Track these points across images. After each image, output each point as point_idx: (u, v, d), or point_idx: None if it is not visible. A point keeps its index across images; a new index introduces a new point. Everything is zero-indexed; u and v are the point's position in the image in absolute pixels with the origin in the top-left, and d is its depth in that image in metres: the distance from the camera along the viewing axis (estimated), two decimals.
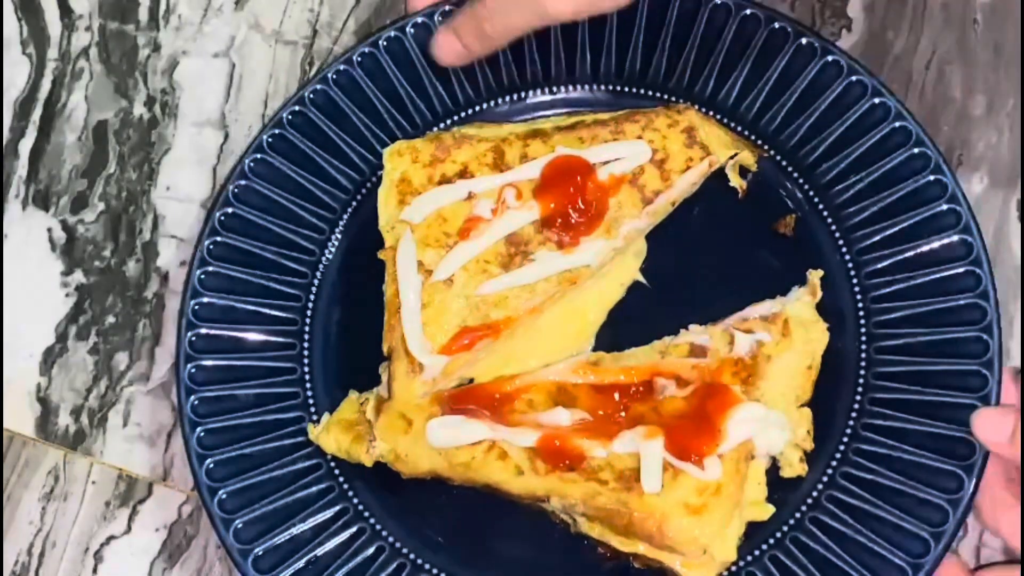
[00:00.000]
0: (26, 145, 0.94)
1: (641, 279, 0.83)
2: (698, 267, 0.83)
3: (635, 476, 0.74)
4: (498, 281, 0.79)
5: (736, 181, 0.83)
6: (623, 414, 0.77)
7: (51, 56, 0.95)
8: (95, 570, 0.85)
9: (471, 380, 0.80)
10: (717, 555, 0.75)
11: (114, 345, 0.88)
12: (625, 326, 0.82)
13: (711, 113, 0.85)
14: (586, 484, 0.75)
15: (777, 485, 0.78)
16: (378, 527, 0.79)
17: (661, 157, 0.81)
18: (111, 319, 0.89)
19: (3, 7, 0.95)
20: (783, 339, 0.78)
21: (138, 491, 0.86)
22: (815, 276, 0.81)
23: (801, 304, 0.80)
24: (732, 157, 0.83)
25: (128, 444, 0.87)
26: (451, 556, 0.79)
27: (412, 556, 0.79)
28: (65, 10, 0.96)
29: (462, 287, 0.79)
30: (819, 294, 0.80)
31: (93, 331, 0.89)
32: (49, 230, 0.92)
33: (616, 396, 0.78)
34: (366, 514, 0.79)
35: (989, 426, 0.73)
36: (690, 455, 0.74)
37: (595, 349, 0.81)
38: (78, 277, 0.91)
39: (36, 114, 0.94)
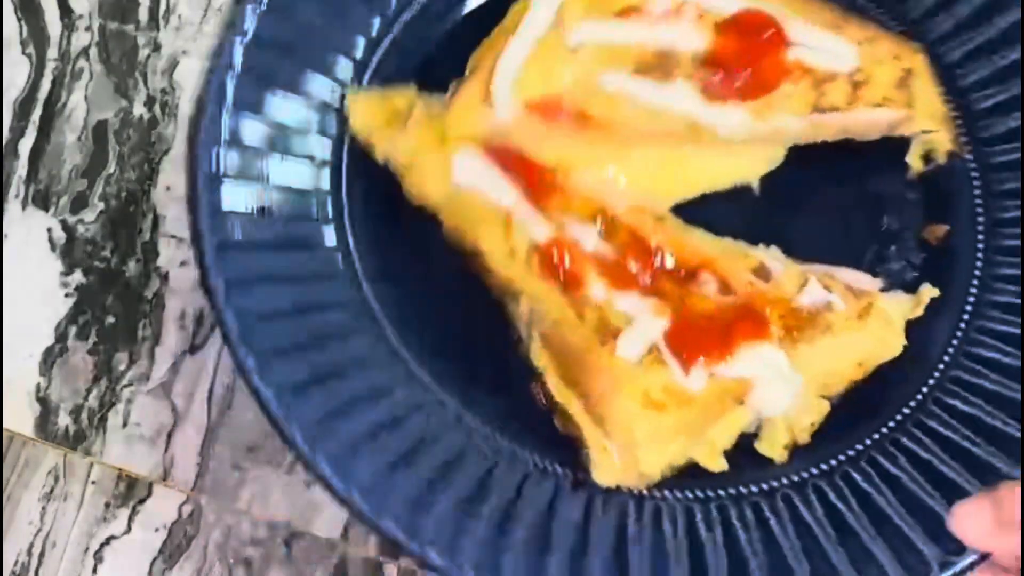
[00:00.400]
0: (26, 145, 0.94)
1: (755, 185, 0.74)
2: (820, 205, 0.77)
3: (616, 334, 0.68)
4: (622, 78, 0.71)
5: (915, 160, 0.74)
6: (648, 280, 0.70)
7: (51, 56, 0.96)
8: (95, 570, 0.85)
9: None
10: (641, 465, 0.67)
11: (114, 345, 0.88)
12: (710, 212, 0.74)
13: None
14: (566, 309, 0.68)
15: (746, 452, 0.72)
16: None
17: (861, 78, 0.72)
18: (111, 319, 0.89)
19: (3, 7, 0.95)
20: (855, 320, 0.69)
21: (138, 491, 0.86)
22: (927, 293, 0.71)
23: (897, 304, 0.70)
24: (928, 132, 0.74)
25: (128, 444, 0.86)
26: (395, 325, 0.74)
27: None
28: (65, 10, 0.96)
29: (584, 61, 0.71)
30: (920, 312, 0.72)
31: (93, 331, 0.89)
32: (49, 230, 0.92)
33: (656, 260, 0.70)
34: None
35: (967, 522, 0.66)
36: (684, 353, 0.67)
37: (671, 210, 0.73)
38: (78, 277, 0.91)
39: (36, 114, 0.94)
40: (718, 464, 0.71)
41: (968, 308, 0.74)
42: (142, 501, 0.85)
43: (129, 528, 0.86)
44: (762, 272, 0.72)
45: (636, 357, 0.68)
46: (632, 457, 0.68)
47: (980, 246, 0.75)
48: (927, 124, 0.75)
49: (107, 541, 0.86)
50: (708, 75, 0.72)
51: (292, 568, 0.83)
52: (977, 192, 0.76)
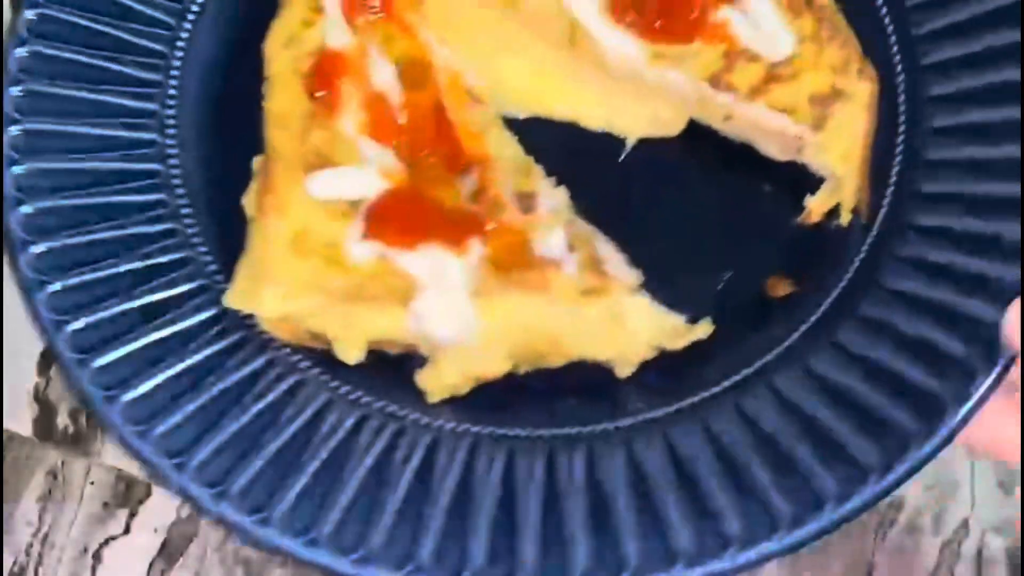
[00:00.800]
0: None
1: (628, 143, 0.66)
2: (683, 199, 0.65)
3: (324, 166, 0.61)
4: None
5: (816, 205, 0.63)
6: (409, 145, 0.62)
7: None
8: (94, 571, 0.83)
9: None
10: (262, 303, 0.59)
11: None
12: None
13: None
14: (303, 119, 0.62)
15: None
16: None
17: (783, 73, 0.62)
18: None
19: (2, 6, 0.89)
20: (575, 294, 0.59)
21: (137, 492, 0.84)
22: (698, 330, 0.61)
23: (640, 313, 0.60)
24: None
25: None
26: None
27: None
28: None
29: None
30: (679, 345, 0.60)
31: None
32: None
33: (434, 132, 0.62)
34: None
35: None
36: (373, 220, 0.60)
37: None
38: None
39: None
40: (352, 355, 0.60)
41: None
42: (141, 502, 0.83)
43: (128, 529, 0.84)
44: (528, 200, 0.60)
45: (322, 194, 0.60)
46: (256, 286, 0.59)
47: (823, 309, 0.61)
48: (834, 163, 0.61)
49: (106, 542, 0.84)
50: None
51: (291, 569, 0.80)
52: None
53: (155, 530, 0.83)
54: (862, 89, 0.61)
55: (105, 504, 0.84)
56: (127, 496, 0.84)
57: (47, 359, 0.86)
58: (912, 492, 0.79)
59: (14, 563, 0.84)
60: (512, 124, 0.65)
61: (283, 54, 0.63)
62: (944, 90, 0.63)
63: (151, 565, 0.82)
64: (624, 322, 0.59)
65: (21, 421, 0.86)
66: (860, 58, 0.61)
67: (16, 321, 0.77)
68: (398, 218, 0.59)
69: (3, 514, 0.84)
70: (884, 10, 0.65)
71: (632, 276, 0.60)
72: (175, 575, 0.82)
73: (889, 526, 0.79)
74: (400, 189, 0.60)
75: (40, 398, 0.87)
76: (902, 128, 0.64)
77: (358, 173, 0.60)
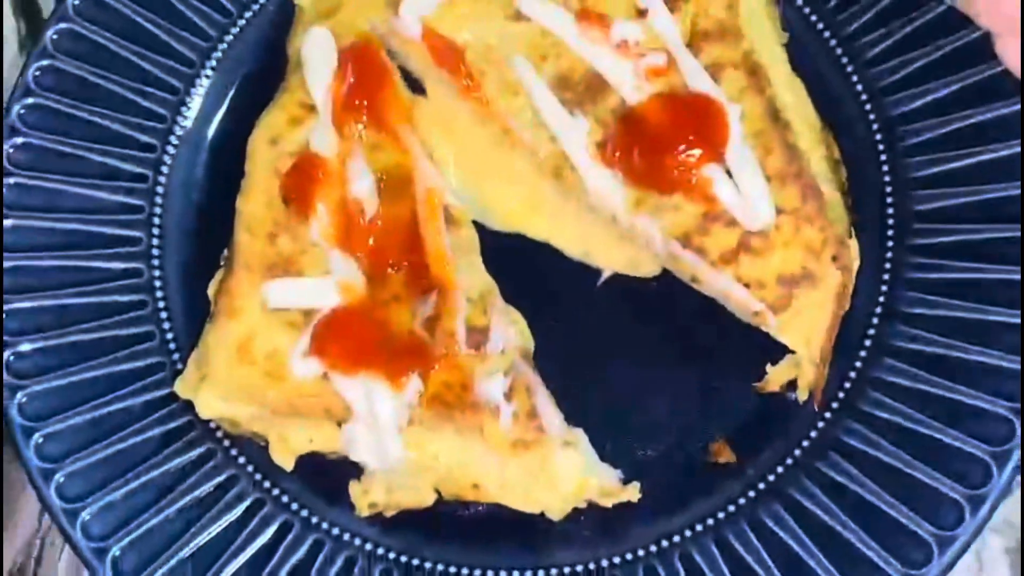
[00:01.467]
0: None
1: (604, 274, 0.65)
2: (653, 341, 0.64)
3: (285, 274, 0.61)
4: (532, 74, 0.63)
5: (776, 375, 0.62)
6: (374, 262, 0.62)
7: None
8: None
9: None
10: (199, 400, 0.60)
11: None
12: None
13: None
14: (275, 223, 0.62)
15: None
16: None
17: (756, 245, 0.60)
18: None
19: (2, 6, 0.89)
20: (507, 446, 0.59)
21: None
22: (627, 492, 0.60)
23: (571, 467, 0.59)
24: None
25: None
26: None
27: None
28: None
29: (515, 32, 0.64)
30: (610, 502, 0.60)
31: None
32: None
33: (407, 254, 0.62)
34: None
35: None
36: (321, 337, 0.59)
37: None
38: None
39: None
40: (286, 462, 0.61)
41: None
42: None
43: None
44: (478, 335, 0.60)
45: (276, 305, 0.60)
46: (199, 378, 0.60)
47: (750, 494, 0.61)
48: (794, 344, 0.60)
49: None
50: (618, 133, 0.62)
51: None
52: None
53: None
54: (833, 276, 0.59)
55: None
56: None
57: None
58: None
59: (14, 563, 0.80)
60: (484, 242, 0.65)
61: (265, 151, 0.63)
62: (917, 297, 0.62)
63: None
64: (551, 476, 0.58)
65: None
66: (838, 243, 0.59)
67: None
68: (345, 339, 0.59)
69: (3, 514, 0.80)
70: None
71: (567, 433, 0.59)
72: None
73: None
74: (354, 307, 0.60)
75: None
76: (874, 320, 0.63)
77: (316, 284, 0.60)
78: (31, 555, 0.78)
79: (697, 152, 0.60)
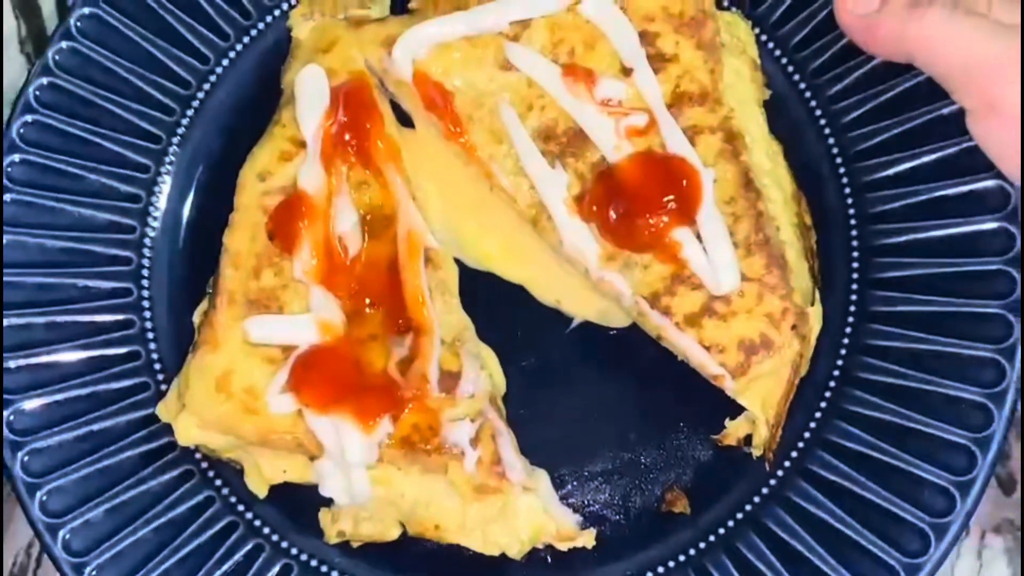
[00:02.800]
0: None
1: (575, 320, 0.68)
2: (620, 386, 0.67)
3: (269, 309, 0.64)
4: (517, 123, 0.65)
5: (733, 430, 0.64)
6: (356, 301, 0.64)
7: None
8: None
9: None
10: (177, 426, 0.63)
11: None
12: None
13: None
14: (258, 258, 0.64)
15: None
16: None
17: (719, 310, 0.62)
18: None
19: (2, 6, 0.89)
20: (471, 490, 0.62)
21: None
22: (583, 537, 0.64)
23: (530, 512, 0.62)
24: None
25: None
26: None
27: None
28: (63, 9, 0.87)
29: (503, 80, 0.66)
30: (565, 546, 0.63)
31: None
32: None
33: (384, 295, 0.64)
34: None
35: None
36: (297, 374, 0.62)
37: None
38: None
39: None
40: (259, 490, 0.64)
41: None
42: None
43: None
44: (450, 380, 0.62)
45: (257, 339, 0.62)
46: (180, 405, 0.63)
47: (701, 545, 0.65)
48: (749, 404, 0.62)
49: None
50: (595, 188, 0.64)
51: None
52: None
53: None
54: (791, 346, 0.61)
55: None
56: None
57: None
58: None
59: (14, 563, 0.80)
60: (464, 278, 0.67)
61: (254, 186, 0.65)
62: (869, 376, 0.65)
63: None
64: (510, 520, 0.61)
65: None
66: (798, 313, 0.62)
67: None
68: (321, 378, 0.61)
69: (3, 514, 0.80)
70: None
71: (528, 479, 0.62)
72: None
73: None
74: (332, 346, 0.62)
75: None
76: (831, 384, 0.65)
77: (296, 321, 0.63)
78: (31, 555, 0.79)
79: (670, 215, 0.62)
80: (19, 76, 0.85)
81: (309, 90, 0.66)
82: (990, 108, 0.58)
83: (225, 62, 0.71)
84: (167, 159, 0.70)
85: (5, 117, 0.69)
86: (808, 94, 0.69)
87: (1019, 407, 0.69)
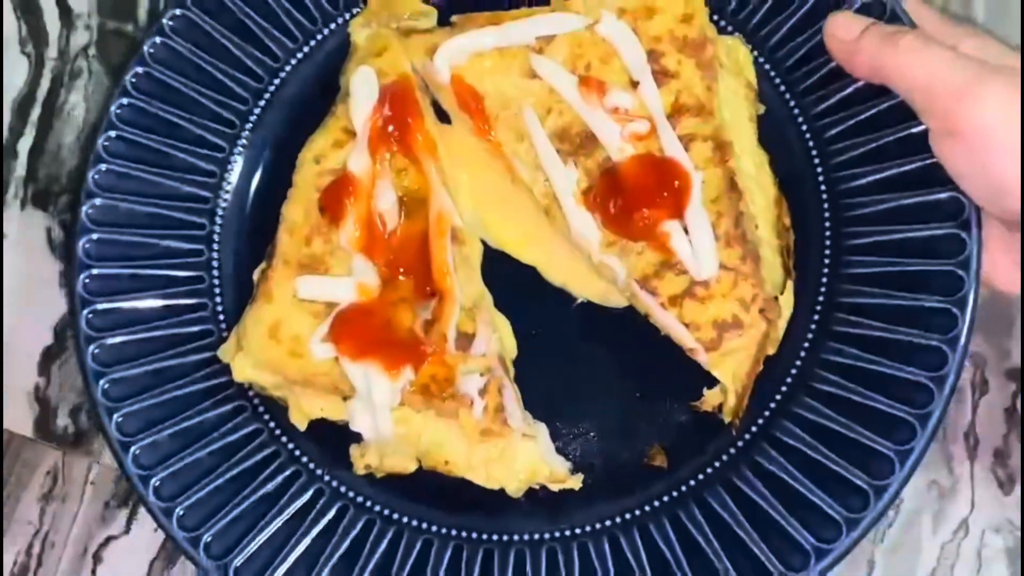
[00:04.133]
0: (25, 145, 0.92)
1: (577, 299, 0.78)
2: (611, 359, 0.77)
3: (318, 271, 0.74)
4: (537, 125, 0.75)
5: (709, 398, 0.74)
6: (391, 269, 0.75)
7: (50, 55, 0.93)
8: (94, 570, 0.84)
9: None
10: (234, 365, 0.74)
11: None
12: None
13: None
14: (310, 228, 0.75)
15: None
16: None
17: (700, 293, 0.71)
18: None
19: (2, 6, 0.92)
20: (476, 433, 0.72)
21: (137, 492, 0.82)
22: (572, 481, 0.73)
23: (528, 459, 0.72)
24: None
25: None
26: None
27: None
28: (64, 9, 0.93)
29: (528, 87, 0.75)
30: (557, 486, 0.73)
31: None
32: (48, 230, 0.90)
33: (417, 267, 0.75)
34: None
35: (841, 25, 0.71)
36: (337, 328, 0.72)
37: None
38: None
39: (35, 114, 0.92)
40: (300, 423, 0.74)
41: None
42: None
43: (128, 528, 0.84)
44: (465, 340, 0.73)
45: (304, 296, 0.73)
46: (237, 347, 0.74)
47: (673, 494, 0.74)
48: (722, 377, 0.72)
49: (106, 541, 0.85)
50: (600, 184, 0.73)
51: None
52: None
53: (155, 529, 0.81)
54: (758, 326, 0.71)
55: (106, 504, 0.85)
56: (127, 495, 0.84)
57: (47, 359, 0.87)
58: (911, 492, 0.81)
59: (15, 563, 0.84)
60: (488, 257, 0.78)
61: (310, 167, 0.76)
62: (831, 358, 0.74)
63: (151, 564, 0.84)
64: (509, 461, 0.72)
65: (21, 421, 0.86)
66: (766, 299, 0.71)
67: (16, 321, 0.87)
68: (356, 331, 0.72)
69: (4, 514, 0.84)
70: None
71: (527, 428, 0.72)
72: (176, 574, 0.83)
73: (889, 526, 0.81)
74: (367, 305, 0.73)
75: (40, 398, 0.87)
76: (797, 363, 0.74)
77: (339, 283, 0.73)
78: (32, 555, 0.84)
79: (662, 209, 0.72)
80: (20, 76, 0.91)
81: (361, 88, 0.77)
82: (949, 129, 0.67)
83: (293, 61, 0.82)
84: (240, 141, 0.81)
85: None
86: (796, 111, 0.78)
87: (1019, 405, 0.78)
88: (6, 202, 0.90)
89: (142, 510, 0.83)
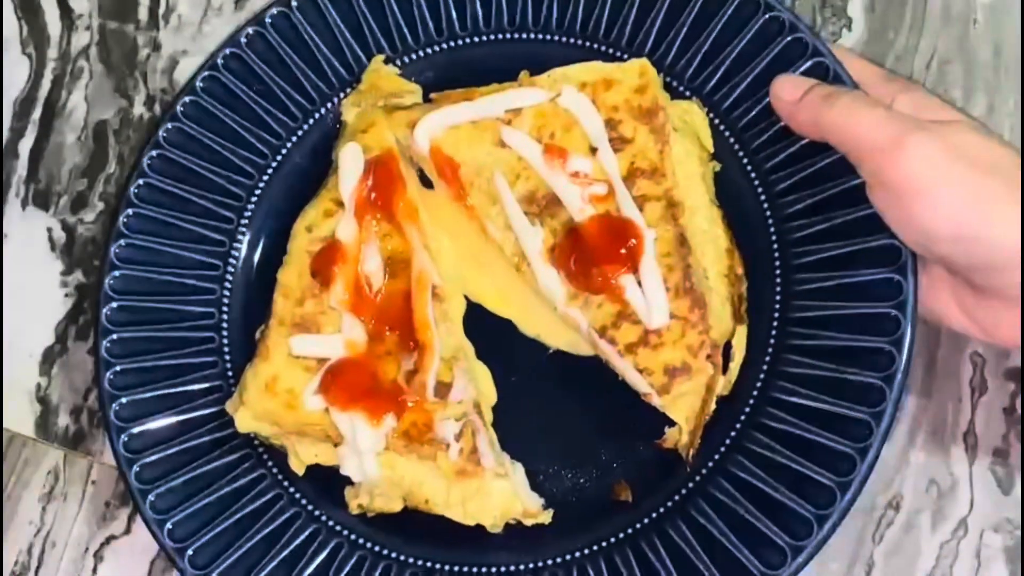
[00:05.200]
0: (26, 145, 0.93)
1: (550, 348, 0.84)
2: (580, 406, 0.84)
3: (310, 330, 0.81)
4: (507, 190, 0.81)
5: (671, 436, 0.80)
6: (378, 327, 0.81)
7: (51, 56, 0.94)
8: (95, 570, 0.86)
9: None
10: (237, 416, 0.79)
11: None
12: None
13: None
14: (301, 292, 0.81)
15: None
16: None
17: (653, 341, 0.78)
18: None
19: (3, 6, 0.93)
20: (452, 473, 0.78)
21: None
22: (542, 515, 0.80)
23: (501, 495, 0.79)
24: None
25: None
26: None
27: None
28: (65, 10, 0.95)
29: (498, 156, 0.82)
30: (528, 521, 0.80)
31: (93, 331, 0.85)
32: (49, 230, 0.92)
33: (396, 324, 0.81)
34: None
35: (785, 87, 0.77)
36: (329, 381, 0.78)
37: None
38: (78, 277, 0.92)
39: (36, 114, 0.93)
40: (298, 469, 0.80)
41: None
42: None
43: (129, 528, 0.86)
44: (444, 389, 0.79)
45: (298, 353, 0.80)
46: (240, 402, 0.80)
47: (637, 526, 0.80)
48: (676, 419, 0.77)
49: (107, 541, 0.86)
50: (563, 242, 0.80)
51: None
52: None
53: None
54: (706, 371, 0.77)
55: (107, 503, 0.87)
56: (128, 495, 0.82)
57: (48, 359, 0.90)
58: (910, 492, 0.82)
59: (16, 562, 0.85)
60: (470, 314, 0.85)
61: (303, 235, 0.84)
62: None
63: (152, 564, 0.86)
64: (484, 499, 0.78)
65: (22, 421, 0.88)
66: (713, 346, 0.77)
67: (16, 321, 0.90)
68: (343, 384, 0.79)
69: (4, 514, 0.85)
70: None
71: (499, 467, 0.79)
72: (176, 574, 0.84)
73: (887, 526, 0.82)
74: (355, 359, 0.80)
75: (41, 398, 0.89)
76: (750, 402, 0.80)
77: (329, 340, 0.81)
78: (32, 555, 0.85)
79: (618, 264, 0.78)
80: (21, 76, 0.93)
81: (348, 162, 0.84)
82: (880, 181, 0.72)
83: (294, 138, 0.90)
84: (246, 213, 0.89)
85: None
86: (749, 167, 0.84)
87: (1018, 405, 0.81)
88: (7, 202, 0.93)
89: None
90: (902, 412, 0.82)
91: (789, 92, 0.77)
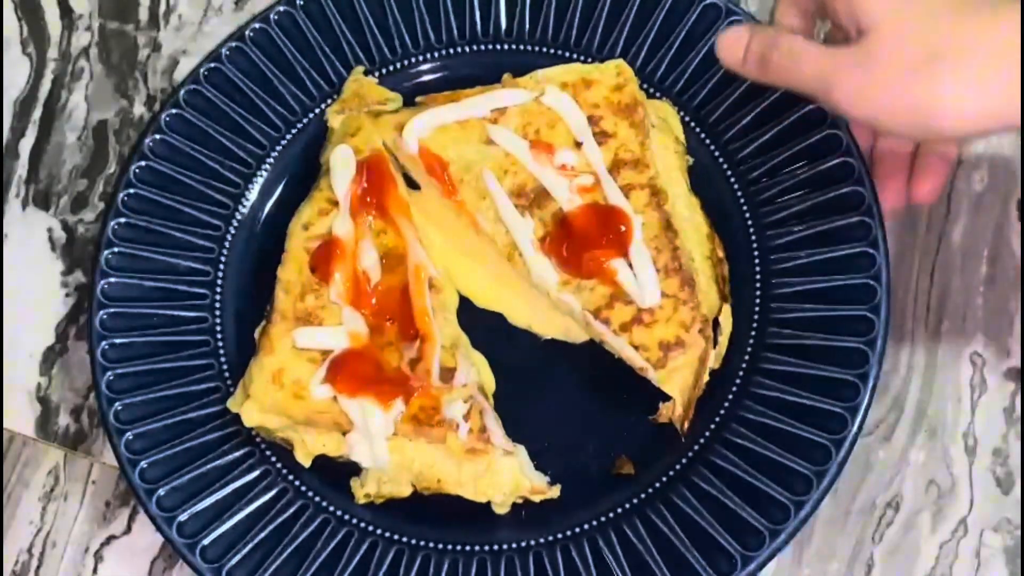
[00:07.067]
0: (26, 145, 0.93)
1: (542, 337, 0.87)
2: (575, 386, 0.86)
3: (312, 323, 0.82)
4: (496, 185, 0.84)
5: (665, 411, 0.82)
6: (378, 319, 0.83)
7: (51, 56, 0.95)
8: (95, 570, 0.86)
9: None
10: (244, 414, 0.80)
11: None
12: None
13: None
14: (303, 283, 0.83)
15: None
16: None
17: (646, 319, 0.81)
18: None
19: (3, 7, 0.93)
20: (461, 452, 0.79)
21: None
22: (551, 491, 0.81)
23: (510, 472, 0.80)
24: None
25: None
26: None
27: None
28: (65, 10, 0.95)
29: (486, 153, 0.85)
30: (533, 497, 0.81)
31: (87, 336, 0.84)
32: (49, 230, 0.92)
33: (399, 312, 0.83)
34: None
35: (727, 53, 0.75)
36: (335, 371, 0.80)
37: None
38: (78, 277, 0.92)
39: (36, 114, 0.94)
40: (304, 461, 0.81)
41: None
42: None
43: (129, 528, 0.86)
44: (448, 374, 0.82)
45: (302, 345, 0.82)
46: (245, 397, 0.81)
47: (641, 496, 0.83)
48: (671, 392, 0.81)
49: (107, 541, 0.86)
50: (554, 231, 0.83)
51: None
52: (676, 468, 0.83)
53: (156, 530, 0.81)
54: (699, 345, 0.81)
55: (107, 503, 0.87)
56: (128, 495, 0.85)
57: (48, 359, 0.90)
58: (910, 492, 0.82)
59: (16, 562, 0.85)
60: (462, 308, 0.87)
61: (300, 233, 0.86)
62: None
63: (152, 564, 0.86)
64: (494, 477, 0.80)
65: (22, 421, 0.88)
66: (704, 321, 0.81)
67: (16, 321, 0.90)
68: (350, 372, 0.80)
69: (4, 514, 0.85)
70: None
71: (508, 445, 0.81)
72: (176, 574, 0.85)
73: (887, 526, 0.82)
74: (359, 350, 0.82)
75: (41, 398, 0.89)
76: (740, 374, 0.85)
77: (332, 332, 0.83)
78: (32, 555, 0.85)
79: (608, 250, 0.82)
80: (21, 76, 0.93)
81: (340, 163, 0.87)
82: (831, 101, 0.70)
83: (279, 147, 0.92)
84: (233, 220, 0.91)
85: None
86: (721, 159, 0.89)
87: (1018, 405, 0.83)
88: (7, 202, 0.93)
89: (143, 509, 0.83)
90: (901, 412, 0.86)
91: (731, 57, 0.76)
